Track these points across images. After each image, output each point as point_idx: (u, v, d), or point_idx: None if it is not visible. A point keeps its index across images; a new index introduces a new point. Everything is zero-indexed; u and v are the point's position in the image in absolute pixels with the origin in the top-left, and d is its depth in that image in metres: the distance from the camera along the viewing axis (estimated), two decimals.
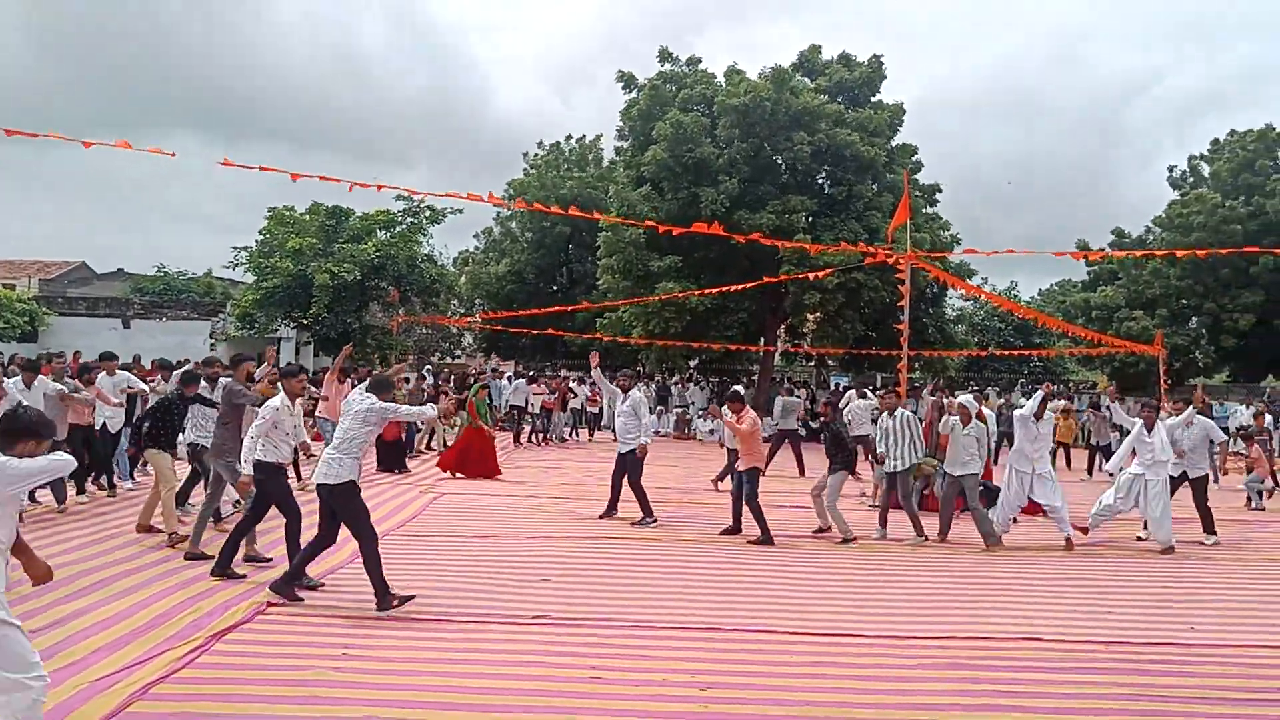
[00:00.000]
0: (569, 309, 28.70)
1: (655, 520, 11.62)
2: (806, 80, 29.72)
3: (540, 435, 23.33)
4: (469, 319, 39.08)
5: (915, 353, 21.96)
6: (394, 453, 16.07)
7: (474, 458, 15.94)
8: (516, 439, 22.65)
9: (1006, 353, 36.91)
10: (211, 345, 33.42)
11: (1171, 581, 9.30)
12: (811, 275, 22.26)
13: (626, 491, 11.82)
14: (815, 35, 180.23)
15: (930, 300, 29.85)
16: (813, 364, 38.39)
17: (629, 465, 11.80)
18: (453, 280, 37.62)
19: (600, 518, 11.88)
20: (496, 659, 6.10)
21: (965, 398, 11.74)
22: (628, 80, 31.20)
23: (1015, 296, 48.16)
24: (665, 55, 31.31)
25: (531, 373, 29.38)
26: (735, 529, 11.01)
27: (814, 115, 27.42)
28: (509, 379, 25.48)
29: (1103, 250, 36.08)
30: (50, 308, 33.88)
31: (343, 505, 7.18)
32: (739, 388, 13.88)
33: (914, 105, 30.47)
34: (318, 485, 7.32)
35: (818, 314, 28.87)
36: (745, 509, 10.82)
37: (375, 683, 5.55)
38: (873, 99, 30.43)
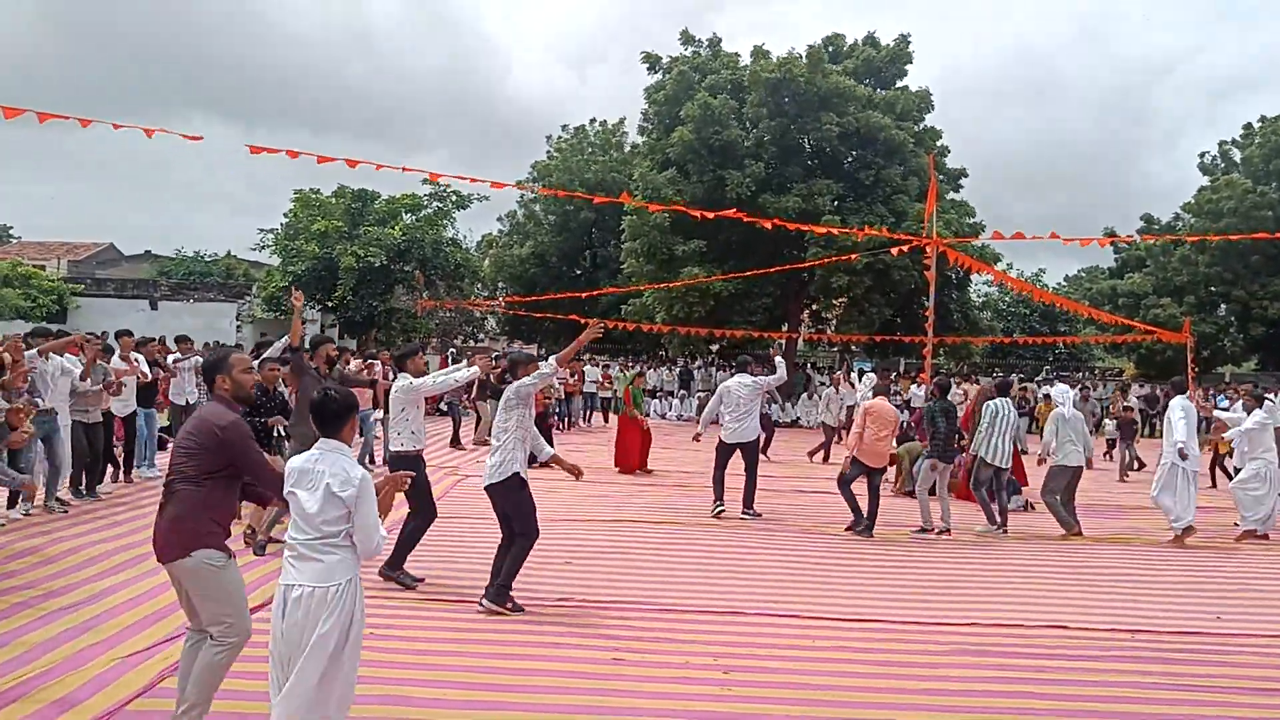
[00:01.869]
0: (594, 293, 28.70)
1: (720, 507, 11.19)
2: (833, 66, 29.57)
3: (563, 420, 23.25)
4: (493, 302, 39.18)
5: (940, 339, 21.82)
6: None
7: (622, 449, 15.28)
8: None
9: (1032, 340, 36.73)
10: (238, 327, 33.71)
11: (1198, 571, 9.24)
12: (838, 258, 22.17)
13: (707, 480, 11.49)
14: (836, 15, 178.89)
15: (955, 285, 29.67)
16: (836, 349, 38.29)
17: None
18: (476, 264, 37.72)
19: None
20: (519, 640, 6.14)
21: (1058, 389, 11.63)
22: (652, 61, 31.08)
23: (1043, 284, 47.80)
24: (687, 38, 31.20)
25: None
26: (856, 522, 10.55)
27: (844, 96, 27.26)
28: None
29: (1131, 236, 35.79)
30: (79, 288, 34.22)
31: (508, 500, 6.93)
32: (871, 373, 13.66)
33: (934, 87, 30.34)
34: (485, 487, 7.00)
35: (844, 298, 28.75)
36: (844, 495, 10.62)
37: (398, 662, 5.61)
38: (899, 81, 30.26)
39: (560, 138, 43.80)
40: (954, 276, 28.57)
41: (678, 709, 5.12)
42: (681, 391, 29.72)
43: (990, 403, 11.24)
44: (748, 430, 11.19)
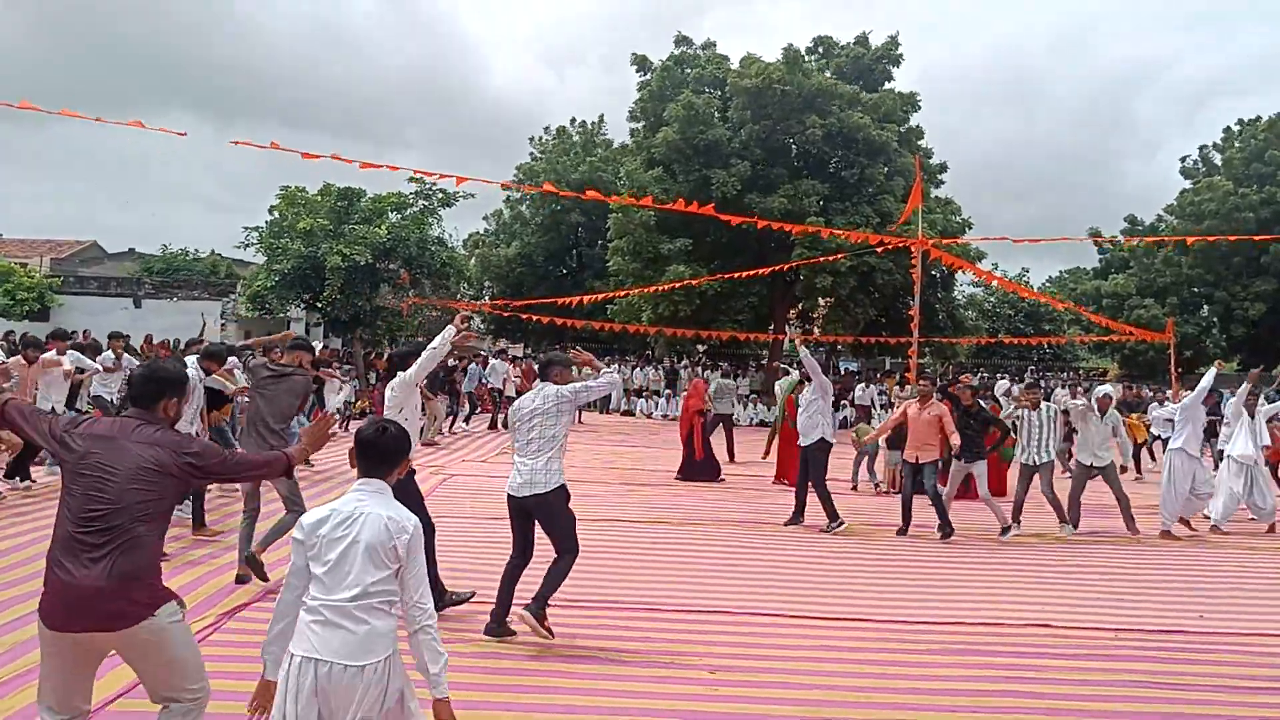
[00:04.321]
0: (583, 298, 28.66)
1: (842, 524, 10.55)
2: (814, 66, 29.66)
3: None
4: (479, 303, 39.05)
5: (925, 339, 21.87)
6: (710, 466, 14.86)
7: (784, 462, 14.25)
8: (493, 424, 21.79)
9: (1016, 340, 36.92)
10: (222, 326, 33.49)
11: (1182, 569, 9.28)
12: (824, 258, 22.21)
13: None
14: (818, 18, 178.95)
15: (940, 284, 29.79)
16: (823, 350, 38.35)
17: (811, 461, 10.82)
18: (462, 263, 37.58)
19: (785, 524, 10.85)
20: (504, 640, 6.12)
21: (1107, 388, 11.69)
22: (641, 62, 31.12)
23: (1027, 284, 48.03)
24: (681, 39, 31.28)
25: (514, 355, 29.29)
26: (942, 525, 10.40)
27: (827, 96, 27.33)
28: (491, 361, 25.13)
29: (1115, 237, 36.07)
30: (62, 286, 33.92)
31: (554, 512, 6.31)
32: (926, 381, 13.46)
33: (917, 88, 30.67)
34: (521, 497, 6.26)
35: (830, 299, 28.84)
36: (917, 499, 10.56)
37: None
38: (888, 83, 30.36)
39: (543, 139, 43.76)
40: (939, 276, 28.69)
41: (665, 709, 5.10)
42: (668, 391, 29.72)
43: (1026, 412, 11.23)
44: (809, 432, 10.84)
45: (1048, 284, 53.21)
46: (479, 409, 22.65)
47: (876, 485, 14.25)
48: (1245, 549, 10.57)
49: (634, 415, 28.30)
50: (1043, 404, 11.10)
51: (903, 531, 10.36)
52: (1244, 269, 34.96)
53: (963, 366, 36.58)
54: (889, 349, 31.35)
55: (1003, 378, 27.23)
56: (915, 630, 6.74)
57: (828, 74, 28.85)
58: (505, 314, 33.15)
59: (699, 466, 14.63)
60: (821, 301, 30.34)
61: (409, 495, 6.36)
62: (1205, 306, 36.58)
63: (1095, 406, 11.17)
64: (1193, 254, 34.88)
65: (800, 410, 11.04)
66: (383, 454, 3.45)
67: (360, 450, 3.46)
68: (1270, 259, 33.78)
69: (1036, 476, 10.81)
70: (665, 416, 28.37)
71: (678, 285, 25.48)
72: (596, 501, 11.96)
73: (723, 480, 14.53)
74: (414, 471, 6.77)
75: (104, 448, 3.46)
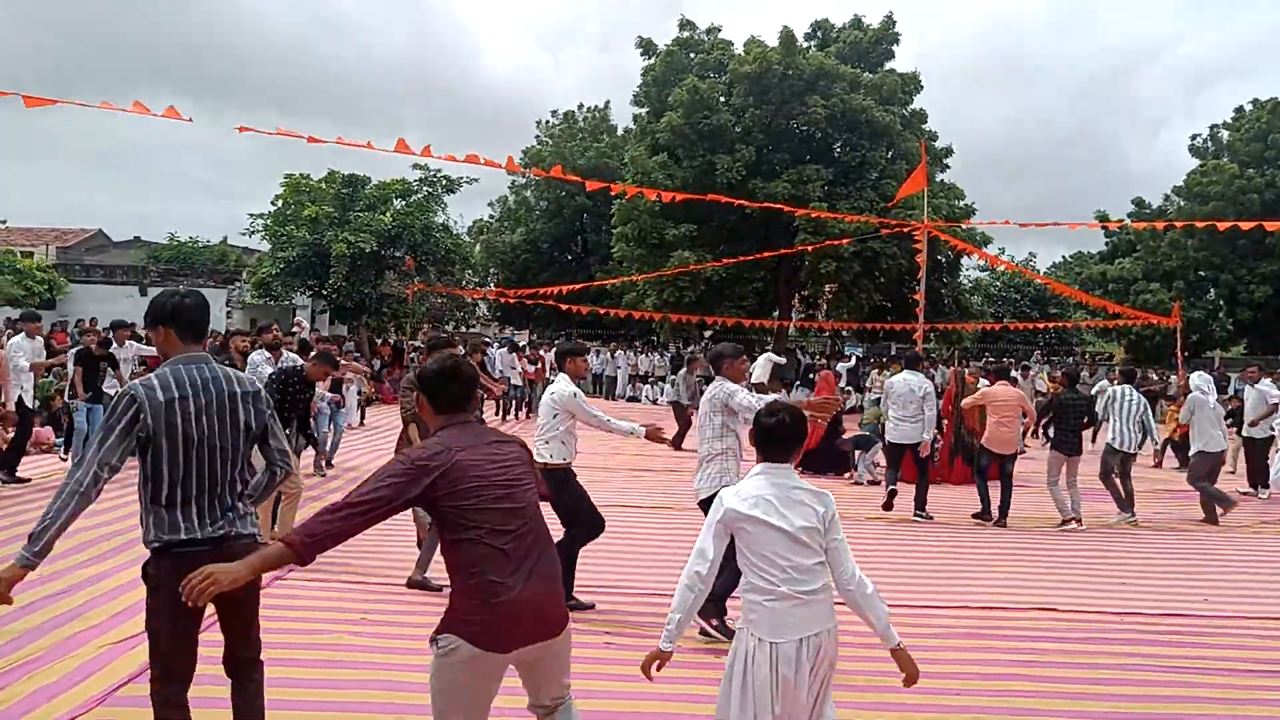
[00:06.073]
0: (589, 285, 28.67)
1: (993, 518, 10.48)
2: (809, 46, 29.61)
3: (524, 408, 22.05)
4: (485, 291, 39.02)
5: (930, 326, 21.83)
6: (834, 456, 14.29)
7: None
8: (504, 412, 21.72)
9: (1022, 325, 36.79)
10: (228, 314, 33.54)
11: (1186, 554, 9.29)
12: (828, 243, 22.18)
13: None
14: None
15: (946, 269, 29.72)
16: (827, 335, 38.33)
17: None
18: (467, 250, 37.56)
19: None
20: None
21: (1199, 375, 11.73)
22: (647, 45, 31.08)
23: (1034, 268, 47.91)
24: (685, 24, 31.24)
25: (521, 342, 29.24)
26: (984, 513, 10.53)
27: (828, 78, 27.27)
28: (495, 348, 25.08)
29: (1121, 221, 35.92)
30: (68, 275, 33.99)
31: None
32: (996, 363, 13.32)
33: (917, 68, 30.53)
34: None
35: (834, 284, 28.80)
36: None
37: (394, 648, 5.61)
38: (887, 64, 30.27)
39: (549, 123, 43.68)
40: (944, 261, 28.60)
41: (669, 693, 5.12)
42: (673, 377, 29.69)
43: (1112, 389, 11.25)
44: (910, 432, 10.64)
45: (1053, 268, 53.08)
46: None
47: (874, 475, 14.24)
48: (1250, 533, 10.57)
49: (639, 401, 28.29)
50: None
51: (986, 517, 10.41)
52: (1250, 251, 34.79)
53: (968, 351, 36.50)
54: (894, 334, 31.31)
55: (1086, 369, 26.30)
56: (921, 615, 6.75)
57: (823, 54, 28.77)
58: (510, 300, 33.17)
59: (829, 459, 14.22)
60: (826, 287, 30.29)
61: (574, 494, 6.57)
62: (1211, 290, 36.43)
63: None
64: (1198, 237, 34.74)
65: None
66: (779, 438, 3.59)
67: (759, 435, 3.60)
68: (1276, 241, 33.63)
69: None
70: (670, 402, 28.26)
71: (681, 271, 25.48)
72: (604, 487, 11.99)
73: (848, 475, 14.02)
74: (574, 474, 6.69)
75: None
